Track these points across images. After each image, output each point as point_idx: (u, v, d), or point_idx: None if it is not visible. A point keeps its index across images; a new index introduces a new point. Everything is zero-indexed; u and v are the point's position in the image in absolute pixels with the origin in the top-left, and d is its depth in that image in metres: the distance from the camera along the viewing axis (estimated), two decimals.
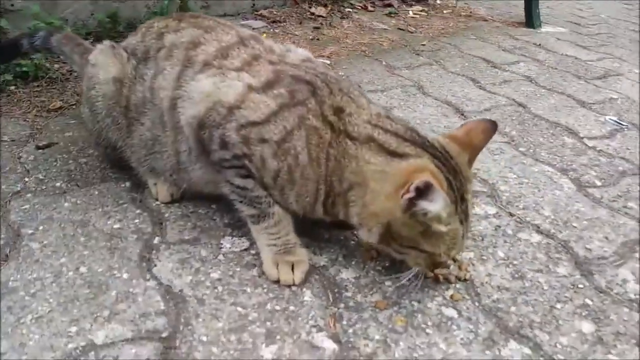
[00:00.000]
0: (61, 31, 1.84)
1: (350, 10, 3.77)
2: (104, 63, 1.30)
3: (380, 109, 1.12)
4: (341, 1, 3.83)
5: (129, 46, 1.34)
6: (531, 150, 1.78)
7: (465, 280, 1.13)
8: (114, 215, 1.28)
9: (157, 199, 1.34)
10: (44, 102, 1.88)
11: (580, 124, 2.02)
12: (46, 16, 2.30)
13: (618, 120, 2.06)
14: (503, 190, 1.51)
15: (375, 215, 1.00)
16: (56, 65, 2.15)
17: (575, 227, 1.36)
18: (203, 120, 1.09)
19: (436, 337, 0.98)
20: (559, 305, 1.08)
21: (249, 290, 1.07)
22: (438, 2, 4.32)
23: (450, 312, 1.05)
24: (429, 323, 1.02)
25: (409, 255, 1.04)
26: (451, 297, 1.08)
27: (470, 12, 4.10)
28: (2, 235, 1.19)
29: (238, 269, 1.13)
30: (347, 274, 1.14)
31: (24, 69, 2.01)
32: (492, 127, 1.12)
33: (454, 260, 1.18)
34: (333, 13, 3.63)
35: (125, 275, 1.09)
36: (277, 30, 3.12)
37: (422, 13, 3.95)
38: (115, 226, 1.24)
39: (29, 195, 1.34)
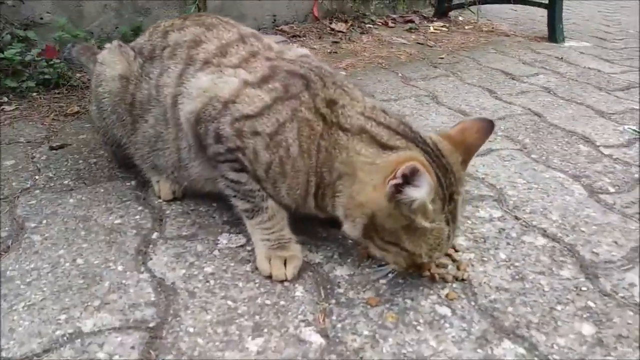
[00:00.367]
0: (82, 43, 1.93)
1: (371, 26, 3.80)
2: (110, 61, 1.35)
3: (375, 102, 1.11)
4: (362, 17, 3.87)
5: (136, 45, 1.38)
6: (543, 157, 1.73)
7: (462, 280, 1.10)
8: (116, 211, 1.31)
9: (159, 197, 1.36)
10: (62, 107, 1.95)
11: (598, 133, 1.96)
12: (72, 29, 2.40)
13: (637, 130, 2.00)
14: (510, 195, 1.47)
15: (360, 205, 0.98)
16: (78, 74, 2.23)
17: (583, 231, 1.31)
18: (199, 115, 1.11)
19: (427, 334, 0.95)
20: (559, 307, 1.04)
21: (240, 284, 1.07)
22: (460, 18, 4.31)
23: (444, 310, 1.02)
24: (421, 320, 0.99)
25: (390, 253, 1.01)
26: (446, 295, 1.05)
27: (493, 28, 4.08)
28: (7, 228, 1.22)
29: (232, 264, 1.13)
30: (341, 271, 1.12)
31: (47, 76, 2.10)
32: (488, 126, 1.09)
33: (453, 260, 1.15)
34: (353, 28, 3.67)
35: (120, 268, 1.10)
36: (296, 45, 3.16)
37: (443, 28, 3.95)
38: (116, 222, 1.26)
39: (37, 191, 1.38)
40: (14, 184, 1.41)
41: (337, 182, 1.02)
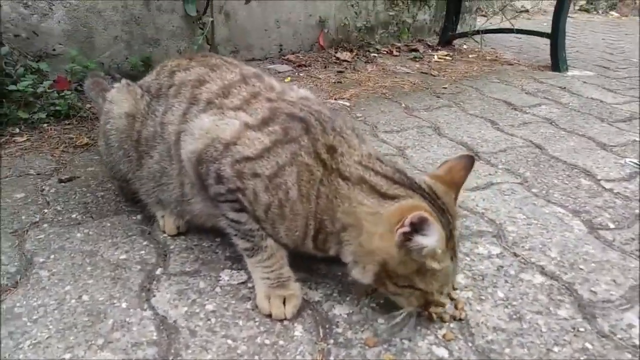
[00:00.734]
0: (95, 77, 1.99)
1: (376, 55, 3.87)
2: (118, 99, 1.40)
3: (371, 149, 1.15)
4: (367, 46, 3.95)
5: (144, 84, 1.43)
6: (544, 192, 1.75)
7: (460, 319, 1.11)
8: (122, 246, 1.34)
9: (164, 232, 1.39)
10: (72, 138, 2.00)
11: (599, 166, 1.98)
12: (84, 60, 2.47)
13: (638, 163, 2.02)
14: (510, 231, 1.49)
15: (371, 253, 1.02)
16: (88, 105, 2.29)
17: (582, 269, 1.32)
18: (201, 156, 1.14)
19: None
20: (556, 349, 1.05)
21: (241, 323, 1.09)
22: (464, 46, 4.38)
23: (441, 351, 1.03)
24: None
25: (402, 296, 1.05)
26: (444, 336, 1.06)
27: (496, 56, 4.14)
28: (16, 263, 1.25)
29: (233, 302, 1.15)
30: (340, 310, 1.14)
31: (57, 107, 2.16)
32: (470, 162, 1.15)
33: (451, 299, 1.17)
34: (358, 57, 3.74)
35: (124, 305, 1.12)
36: (301, 74, 3.23)
37: (447, 57, 4.01)
38: (122, 257, 1.29)
39: (45, 225, 1.41)
40: (23, 217, 1.45)
41: (342, 233, 1.05)
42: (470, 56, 4.07)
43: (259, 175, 1.08)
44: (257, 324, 1.09)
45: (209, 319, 1.09)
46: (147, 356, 0.99)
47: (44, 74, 2.32)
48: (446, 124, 2.42)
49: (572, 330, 1.10)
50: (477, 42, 4.23)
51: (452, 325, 1.10)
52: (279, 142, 1.09)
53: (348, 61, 3.60)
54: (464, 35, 4.28)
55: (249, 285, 1.20)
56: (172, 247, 1.35)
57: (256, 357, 1.00)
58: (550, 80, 3.40)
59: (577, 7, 8.07)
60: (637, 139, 2.30)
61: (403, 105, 2.71)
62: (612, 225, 1.55)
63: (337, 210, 1.05)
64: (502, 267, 1.32)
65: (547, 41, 3.75)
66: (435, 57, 3.96)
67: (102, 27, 2.69)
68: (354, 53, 3.78)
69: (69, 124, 2.14)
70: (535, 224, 1.53)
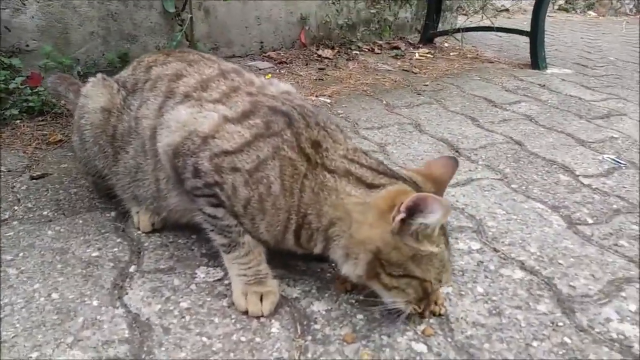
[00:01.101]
0: (58, 73, 1.94)
1: (357, 52, 3.86)
2: (93, 94, 1.36)
3: (355, 144, 1.13)
4: (348, 43, 3.93)
5: (120, 78, 1.40)
6: (523, 187, 1.76)
7: (440, 315, 1.10)
8: (94, 243, 1.30)
9: (138, 228, 1.36)
10: (45, 135, 1.95)
11: (577, 162, 2.00)
12: (58, 56, 2.41)
13: (616, 159, 2.04)
14: (490, 226, 1.49)
15: (362, 243, 0.99)
16: (62, 102, 2.23)
17: (561, 264, 1.32)
18: (178, 149, 1.11)
19: None
20: (535, 343, 1.04)
21: (216, 320, 1.06)
22: (445, 44, 4.40)
23: (420, 347, 1.02)
24: (397, 358, 0.99)
25: (399, 288, 1.00)
26: (423, 332, 1.05)
27: (477, 54, 4.16)
28: None
29: (208, 299, 1.12)
30: (318, 306, 1.12)
31: (31, 104, 2.10)
32: (452, 162, 1.16)
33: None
34: (339, 55, 3.72)
35: (95, 303, 1.09)
36: (282, 71, 3.20)
37: (429, 55, 4.02)
38: (94, 254, 1.25)
39: (15, 222, 1.37)
40: None
41: (331, 229, 1.03)
42: (451, 54, 4.08)
43: (239, 169, 1.05)
44: (233, 321, 1.06)
45: (183, 317, 1.06)
46: (119, 354, 0.96)
47: (16, 70, 2.25)
48: (427, 121, 2.42)
49: (551, 324, 1.10)
50: (458, 40, 4.25)
51: (431, 320, 1.09)
52: (260, 135, 1.07)
53: (329, 58, 3.59)
54: (445, 33, 4.30)
55: (226, 282, 1.17)
56: (146, 244, 1.31)
57: (232, 355, 0.97)
58: (530, 77, 3.43)
59: (556, 7, 8.18)
60: (615, 136, 2.32)
61: (384, 102, 2.70)
62: (590, 221, 1.55)
63: (323, 203, 1.03)
64: (482, 262, 1.31)
65: (527, 39, 3.78)
66: (417, 54, 3.97)
67: (78, 22, 2.62)
68: (336, 50, 3.76)
69: (42, 121, 2.08)
70: (514, 220, 1.53)
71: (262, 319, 1.07)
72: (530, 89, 3.12)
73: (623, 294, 1.22)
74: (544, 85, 3.22)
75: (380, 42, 4.18)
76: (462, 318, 1.10)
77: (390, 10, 4.23)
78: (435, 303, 1.12)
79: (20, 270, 1.18)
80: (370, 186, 1.03)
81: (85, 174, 1.53)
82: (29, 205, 1.47)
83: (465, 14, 4.87)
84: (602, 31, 6.37)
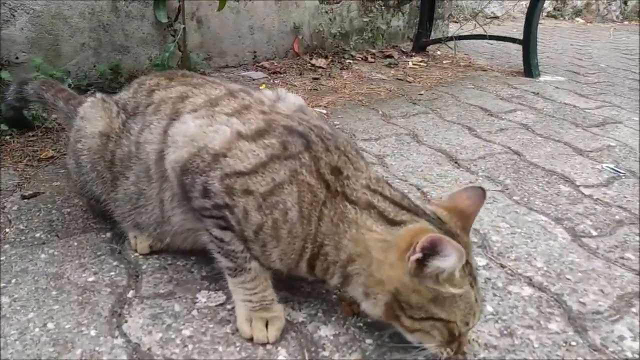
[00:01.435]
0: (40, 78, 1.85)
1: (351, 61, 3.84)
2: (92, 117, 1.31)
3: (378, 174, 1.08)
4: (342, 52, 3.92)
5: (120, 100, 1.34)
6: (525, 199, 1.74)
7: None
8: (90, 267, 1.25)
9: (135, 250, 1.31)
10: (36, 151, 1.90)
11: (577, 172, 1.98)
12: (49, 68, 2.37)
13: (615, 168, 2.03)
14: (495, 241, 1.46)
15: (381, 283, 0.94)
16: (54, 116, 2.18)
17: (569, 279, 1.30)
18: (186, 166, 1.05)
19: None
20: None
21: (220, 349, 1.02)
22: (438, 52, 4.40)
23: None
24: None
25: (423, 331, 0.95)
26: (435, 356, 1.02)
27: (470, 63, 4.16)
28: None
29: (211, 326, 1.08)
30: (326, 331, 1.08)
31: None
32: (478, 193, 1.07)
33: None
34: (333, 64, 3.70)
35: (93, 332, 1.04)
36: (276, 81, 3.17)
37: (422, 63, 4.02)
38: (90, 279, 1.21)
39: (6, 246, 1.32)
40: None
41: (350, 265, 0.97)
42: (444, 62, 4.08)
43: (252, 192, 0.99)
44: (237, 349, 1.02)
45: (185, 345, 1.02)
46: None
47: (6, 83, 2.20)
48: (424, 131, 2.40)
49: (564, 344, 1.07)
50: (450, 48, 4.25)
51: None
52: (275, 157, 1.00)
53: (323, 68, 3.56)
54: (437, 41, 4.30)
55: (228, 307, 1.13)
56: (144, 267, 1.27)
57: None
58: (524, 85, 3.43)
59: (544, 14, 8.25)
60: (612, 144, 2.32)
61: (380, 112, 2.68)
62: (594, 233, 1.53)
63: (343, 236, 0.97)
64: (489, 279, 1.28)
65: (518, 47, 3.79)
66: (410, 63, 3.96)
67: (69, 34, 2.58)
68: (329, 59, 3.74)
69: (33, 136, 2.03)
70: (519, 233, 1.51)
71: (268, 346, 1.03)
72: (525, 97, 3.12)
73: (634, 309, 1.19)
74: (538, 93, 3.22)
75: (374, 50, 4.17)
76: (473, 340, 1.07)
77: (382, 18, 4.23)
78: None
79: (13, 298, 1.13)
80: (392, 222, 0.96)
81: (80, 195, 1.48)
82: (21, 226, 1.42)
83: (456, 22, 4.88)
84: (590, 38, 6.42)
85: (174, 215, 1.18)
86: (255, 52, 3.48)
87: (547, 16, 8.34)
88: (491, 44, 4.92)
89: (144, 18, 2.84)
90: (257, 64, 3.47)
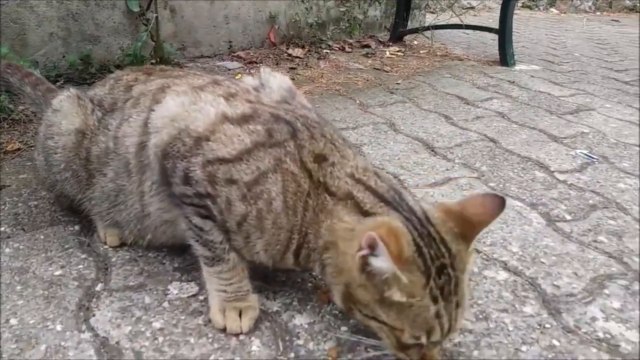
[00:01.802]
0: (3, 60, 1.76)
1: (328, 51, 3.81)
2: (68, 112, 1.25)
3: (368, 163, 1.02)
4: (319, 42, 3.88)
5: (95, 97, 1.29)
6: (501, 185, 1.74)
7: None
8: (57, 261, 1.21)
9: (105, 243, 1.27)
10: (1, 143, 1.83)
11: (551, 158, 2.00)
12: (15, 58, 2.29)
13: (589, 154, 2.05)
14: None
15: (340, 273, 0.91)
16: (20, 107, 2.11)
17: (543, 263, 1.30)
18: (166, 150, 1.01)
19: None
20: (524, 348, 1.01)
21: (192, 340, 0.99)
22: (415, 42, 4.39)
23: None
24: None
25: (374, 329, 0.91)
26: None
27: (447, 52, 4.17)
28: None
29: (183, 317, 1.05)
30: (300, 320, 1.06)
31: None
32: (495, 202, 0.93)
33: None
34: (310, 54, 3.67)
35: (59, 327, 1.01)
36: (252, 71, 3.12)
37: (399, 53, 4.01)
38: (57, 273, 1.17)
39: None
40: None
41: (325, 253, 0.94)
42: (421, 52, 4.08)
43: (235, 181, 0.94)
44: (210, 340, 1.00)
45: (156, 338, 0.99)
46: None
47: None
48: (401, 120, 2.39)
49: (539, 327, 1.07)
50: (427, 37, 4.25)
51: None
52: (260, 144, 0.96)
53: (300, 58, 3.53)
54: (414, 31, 4.29)
55: (201, 297, 1.11)
56: (113, 259, 1.23)
57: None
58: (500, 74, 3.45)
59: (519, 4, 8.32)
60: (586, 131, 2.34)
61: (357, 101, 2.66)
62: (568, 217, 1.55)
63: (321, 225, 0.93)
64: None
65: (494, 36, 3.81)
66: (387, 53, 3.95)
67: (35, 23, 2.50)
68: (306, 49, 3.70)
69: None
70: None
71: (241, 337, 1.01)
72: (501, 86, 3.13)
73: (606, 291, 1.21)
74: (514, 82, 3.24)
75: (351, 40, 4.15)
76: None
77: (359, 8, 4.20)
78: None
79: None
80: (366, 213, 0.91)
81: (47, 189, 1.43)
82: None
83: (433, 12, 4.88)
84: (564, 28, 6.50)
85: (151, 204, 1.13)
86: (230, 41, 3.43)
87: (522, 6, 8.42)
88: (467, 34, 4.94)
89: (115, 7, 2.76)
90: (232, 54, 3.41)
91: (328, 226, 0.93)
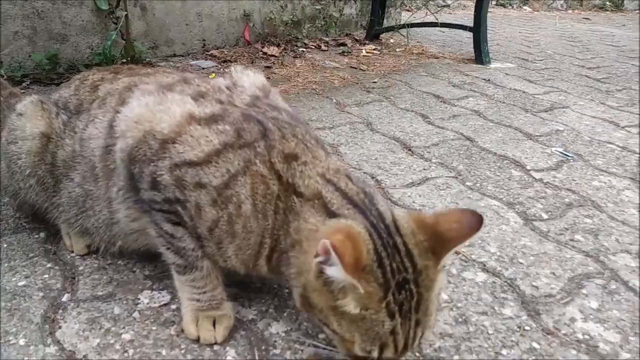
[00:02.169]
0: None
1: (304, 50, 3.78)
2: (33, 115, 1.20)
3: (342, 165, 0.97)
4: (294, 41, 3.85)
5: (60, 99, 1.24)
6: (478, 185, 1.74)
7: None
8: (20, 270, 1.15)
9: (72, 251, 1.22)
10: None
11: (527, 157, 2.01)
12: None
13: (564, 152, 2.06)
14: None
15: (299, 273, 0.88)
16: None
17: (521, 263, 1.30)
18: (132, 154, 0.96)
19: None
20: (504, 352, 1.00)
21: (164, 352, 0.95)
22: (391, 40, 4.39)
23: None
24: None
25: (326, 334, 0.88)
26: None
27: (423, 50, 4.17)
28: None
29: (154, 328, 1.01)
30: (277, 328, 1.03)
31: None
32: (472, 219, 0.86)
33: None
34: (286, 52, 3.63)
35: (22, 341, 0.96)
36: (227, 70, 3.06)
37: (375, 51, 4.00)
38: (20, 283, 1.11)
39: None
40: None
41: (290, 249, 0.89)
42: (397, 50, 4.07)
43: (204, 185, 0.90)
44: (182, 351, 0.96)
45: (125, 351, 0.95)
46: None
47: None
48: (378, 119, 2.37)
49: (518, 329, 1.06)
50: (403, 35, 4.26)
51: None
52: (229, 145, 0.91)
53: (275, 56, 3.49)
54: (390, 29, 4.29)
55: (173, 306, 1.07)
56: (81, 268, 1.18)
57: None
58: (475, 72, 3.46)
59: (493, 2, 8.42)
60: (561, 129, 2.36)
61: (334, 100, 2.64)
62: (545, 216, 1.55)
63: (290, 225, 0.89)
64: (443, 266, 1.26)
65: (469, 34, 3.83)
66: (364, 51, 3.93)
67: None
68: (282, 48, 3.66)
69: None
70: None
71: (215, 347, 0.97)
72: (476, 84, 3.15)
73: (584, 291, 1.20)
74: (489, 80, 3.26)
75: (327, 38, 4.12)
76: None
77: (335, 6, 4.18)
78: None
79: None
80: (332, 214, 0.87)
81: (9, 197, 1.36)
82: None
83: (409, 10, 4.89)
84: (537, 25, 6.59)
85: (118, 211, 1.08)
86: (204, 40, 3.37)
87: (496, 4, 8.52)
88: (443, 32, 4.97)
89: (82, 5, 2.68)
90: (206, 53, 3.35)
91: (295, 227, 0.89)
